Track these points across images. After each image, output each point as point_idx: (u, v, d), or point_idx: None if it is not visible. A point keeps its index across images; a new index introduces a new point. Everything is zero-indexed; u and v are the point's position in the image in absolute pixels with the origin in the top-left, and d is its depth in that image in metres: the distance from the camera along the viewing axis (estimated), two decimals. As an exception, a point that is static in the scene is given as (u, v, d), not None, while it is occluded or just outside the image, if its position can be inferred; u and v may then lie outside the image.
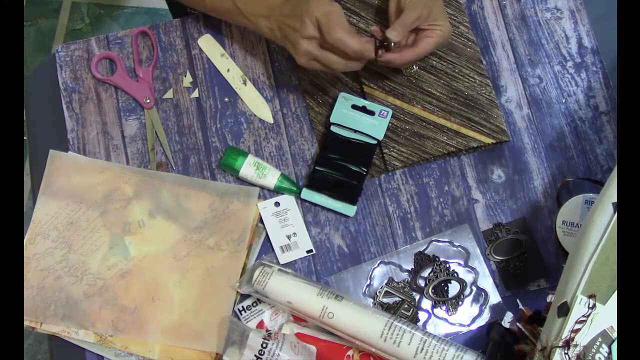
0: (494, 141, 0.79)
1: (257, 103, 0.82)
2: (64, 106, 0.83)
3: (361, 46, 0.71)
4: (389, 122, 0.80)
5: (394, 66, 0.77)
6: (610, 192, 0.58)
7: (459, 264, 0.76)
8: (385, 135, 0.79)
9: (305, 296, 0.71)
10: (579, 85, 0.82)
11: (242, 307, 0.75)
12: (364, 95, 0.81)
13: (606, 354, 0.55)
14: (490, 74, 0.83)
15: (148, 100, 0.82)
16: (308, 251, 0.77)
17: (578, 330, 0.55)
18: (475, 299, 0.75)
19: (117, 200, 0.79)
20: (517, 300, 0.69)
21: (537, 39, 0.84)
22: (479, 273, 0.76)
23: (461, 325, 0.74)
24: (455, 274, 0.75)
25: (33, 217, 0.78)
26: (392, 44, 0.73)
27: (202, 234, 0.77)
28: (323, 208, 0.79)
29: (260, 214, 0.78)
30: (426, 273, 0.76)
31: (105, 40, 0.85)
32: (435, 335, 0.69)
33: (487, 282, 0.76)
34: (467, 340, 0.74)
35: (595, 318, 0.56)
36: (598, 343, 0.55)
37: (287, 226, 0.78)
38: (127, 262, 0.77)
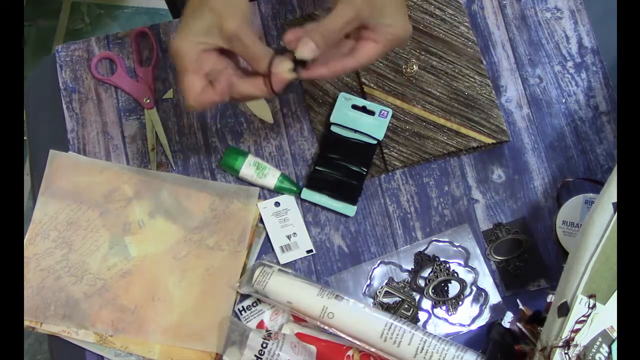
0: (494, 141, 0.79)
1: (257, 103, 0.82)
2: (64, 106, 0.83)
3: (259, 50, 0.58)
4: (389, 122, 0.79)
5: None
6: (610, 192, 0.58)
7: (459, 264, 0.76)
8: (386, 135, 0.79)
9: (305, 296, 0.71)
10: (579, 85, 0.82)
11: (242, 307, 0.75)
12: (364, 95, 0.81)
13: (606, 354, 0.55)
14: (490, 74, 0.83)
15: (148, 100, 0.82)
16: (308, 251, 0.77)
17: (578, 330, 0.55)
18: (476, 299, 0.75)
19: (117, 200, 0.79)
20: (517, 300, 0.69)
21: (537, 39, 0.84)
22: (479, 273, 0.76)
23: (461, 325, 0.74)
24: (455, 274, 0.75)
25: (33, 217, 0.78)
26: (309, 61, 0.58)
27: (202, 234, 0.77)
28: (323, 208, 0.79)
29: (260, 214, 0.78)
30: (426, 273, 0.76)
31: (105, 40, 0.85)
32: (435, 335, 0.69)
33: (487, 282, 0.75)
34: (467, 340, 0.74)
35: (596, 318, 0.56)
36: (598, 343, 0.55)
37: (287, 226, 0.78)
38: (127, 262, 0.77)
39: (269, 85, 0.59)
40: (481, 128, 0.80)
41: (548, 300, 0.64)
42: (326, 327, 0.70)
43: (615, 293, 0.56)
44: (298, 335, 0.71)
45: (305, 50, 0.57)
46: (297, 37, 0.58)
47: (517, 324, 0.66)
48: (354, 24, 0.57)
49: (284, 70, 0.58)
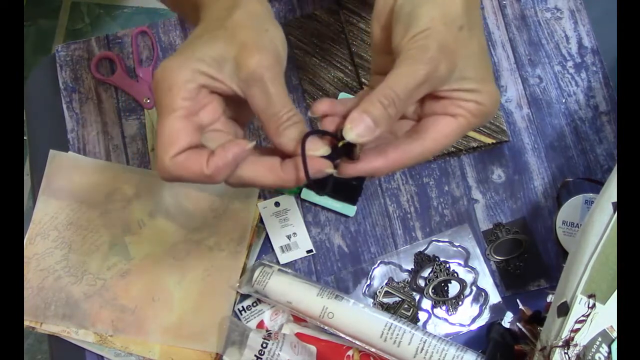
0: (494, 141, 0.79)
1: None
2: (64, 106, 0.83)
3: (286, 107, 0.41)
4: (389, 122, 0.79)
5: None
6: (610, 192, 0.58)
7: (459, 264, 0.76)
8: (385, 135, 0.79)
9: (305, 296, 0.71)
10: (579, 85, 0.82)
11: (242, 307, 0.75)
12: (364, 95, 0.81)
13: (606, 354, 0.55)
14: (490, 74, 0.82)
15: (148, 100, 0.82)
16: (308, 251, 0.77)
17: (578, 330, 0.55)
18: (475, 299, 0.75)
19: (117, 200, 0.79)
20: (517, 300, 0.69)
21: (537, 39, 0.83)
22: (479, 273, 0.76)
23: (461, 325, 0.74)
24: (455, 274, 0.75)
25: (33, 217, 0.78)
26: (358, 148, 0.40)
27: (202, 234, 0.77)
28: (323, 208, 0.79)
29: (260, 214, 0.78)
30: (426, 273, 0.76)
31: (105, 40, 0.85)
32: (435, 335, 0.69)
33: (487, 282, 0.75)
34: (467, 340, 0.74)
35: (595, 318, 0.56)
36: (598, 343, 0.55)
37: (287, 226, 0.78)
38: (127, 262, 0.77)
39: (294, 170, 0.40)
40: (481, 128, 0.79)
41: (548, 300, 0.64)
42: (326, 327, 0.70)
43: (615, 293, 0.56)
44: (298, 335, 0.71)
45: (359, 128, 0.38)
46: (334, 109, 0.41)
47: (517, 324, 0.66)
48: (426, 87, 0.39)
49: (316, 152, 0.40)
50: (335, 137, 0.41)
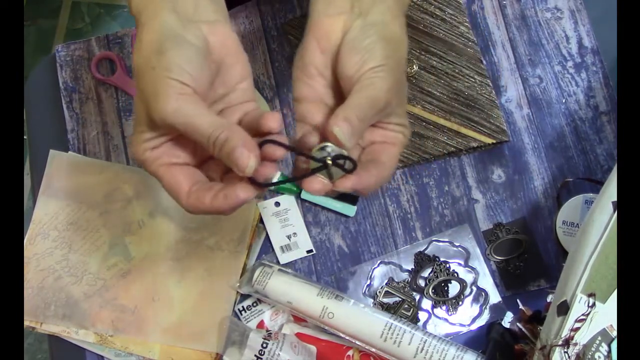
0: (494, 141, 0.79)
1: (257, 103, 0.82)
2: (64, 106, 0.83)
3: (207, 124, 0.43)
4: (389, 122, 0.79)
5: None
6: (610, 192, 0.58)
7: (459, 264, 0.76)
8: (385, 135, 0.79)
9: (306, 296, 0.71)
10: (579, 85, 0.82)
11: (242, 307, 0.75)
12: (364, 95, 0.81)
13: (606, 353, 0.55)
14: (491, 74, 0.83)
15: (148, 100, 0.82)
16: (308, 251, 0.77)
17: (578, 329, 0.55)
18: (475, 299, 0.75)
19: (117, 200, 0.79)
20: (517, 300, 0.69)
21: (537, 39, 0.84)
22: (479, 273, 0.76)
23: (461, 325, 0.74)
24: (455, 274, 0.75)
25: (33, 217, 0.78)
26: (346, 158, 0.43)
27: (202, 234, 0.77)
28: (323, 208, 0.79)
29: (260, 214, 0.78)
30: (426, 273, 0.76)
31: (106, 39, 0.85)
32: (435, 335, 0.69)
33: (487, 282, 0.75)
34: (467, 340, 0.74)
35: (595, 317, 0.56)
36: (598, 342, 0.55)
37: (287, 226, 0.78)
38: (127, 262, 0.77)
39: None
40: (481, 128, 0.80)
41: (548, 300, 0.64)
42: (326, 327, 0.70)
43: (615, 292, 0.56)
44: (298, 335, 0.71)
45: (345, 130, 0.41)
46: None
47: (517, 323, 0.66)
48: (380, 115, 0.45)
49: (267, 173, 0.45)
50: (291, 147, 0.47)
